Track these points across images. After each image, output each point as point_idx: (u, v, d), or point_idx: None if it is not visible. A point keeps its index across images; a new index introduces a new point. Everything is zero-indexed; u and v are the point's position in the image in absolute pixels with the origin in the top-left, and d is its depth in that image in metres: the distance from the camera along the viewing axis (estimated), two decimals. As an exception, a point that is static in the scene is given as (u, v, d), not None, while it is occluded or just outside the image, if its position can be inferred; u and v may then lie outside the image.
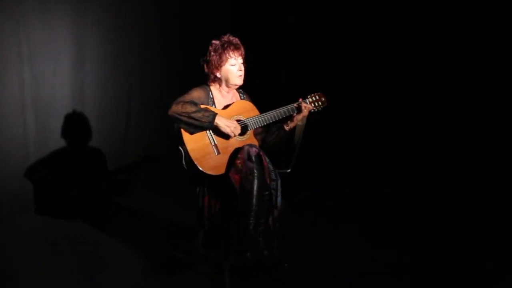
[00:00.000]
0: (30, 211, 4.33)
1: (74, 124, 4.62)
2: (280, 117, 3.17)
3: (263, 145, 3.24)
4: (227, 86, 3.18)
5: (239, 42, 3.16)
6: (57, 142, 4.53)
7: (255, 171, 2.89)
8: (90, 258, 3.46)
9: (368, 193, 4.81)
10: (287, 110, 3.18)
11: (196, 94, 3.08)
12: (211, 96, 3.15)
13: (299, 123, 3.21)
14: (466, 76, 4.51)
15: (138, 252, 3.47)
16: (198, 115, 2.93)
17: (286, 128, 3.20)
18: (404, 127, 4.94)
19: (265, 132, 3.27)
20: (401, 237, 3.75)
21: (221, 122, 3.00)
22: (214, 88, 3.19)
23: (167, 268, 3.27)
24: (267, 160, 2.98)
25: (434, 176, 4.69)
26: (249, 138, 3.17)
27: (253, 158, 2.93)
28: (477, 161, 4.47)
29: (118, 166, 4.89)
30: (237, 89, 3.28)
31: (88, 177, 4.68)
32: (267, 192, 2.92)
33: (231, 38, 3.15)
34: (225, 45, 3.11)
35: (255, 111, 3.21)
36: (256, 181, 2.88)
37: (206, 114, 2.96)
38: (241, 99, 3.28)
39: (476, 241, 3.64)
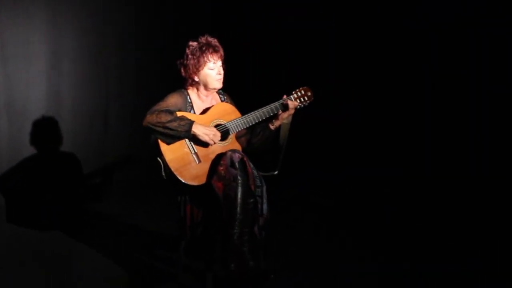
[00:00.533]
0: (3, 217, 4.25)
1: (50, 127, 4.58)
2: (264, 118, 3.08)
3: (248, 147, 3.17)
4: (206, 90, 3.11)
5: (218, 43, 3.07)
6: (32, 145, 4.48)
7: (238, 177, 2.84)
8: (66, 267, 3.40)
9: (367, 193, 4.82)
10: (271, 109, 3.08)
11: (172, 100, 3.01)
12: (189, 100, 3.08)
13: (285, 121, 3.13)
14: (466, 76, 4.52)
15: (116, 261, 3.42)
16: (173, 125, 2.87)
17: (272, 127, 3.12)
18: (404, 127, 4.95)
19: (249, 133, 3.19)
20: (400, 238, 3.77)
21: (199, 130, 2.92)
22: (192, 92, 3.12)
23: (147, 279, 3.22)
24: (251, 165, 2.93)
25: (434, 176, 4.70)
26: (231, 143, 3.09)
27: (236, 164, 2.86)
28: (477, 161, 4.48)
29: (95, 170, 4.85)
30: (217, 91, 3.20)
31: (64, 182, 4.64)
32: (252, 200, 2.86)
33: (210, 39, 3.06)
34: (203, 48, 3.02)
35: (237, 113, 3.13)
36: (240, 188, 2.82)
37: (182, 123, 2.89)
38: (221, 101, 3.20)
39: (476, 241, 3.67)
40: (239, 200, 2.81)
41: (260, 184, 2.92)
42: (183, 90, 3.10)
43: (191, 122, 2.90)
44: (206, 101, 3.14)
